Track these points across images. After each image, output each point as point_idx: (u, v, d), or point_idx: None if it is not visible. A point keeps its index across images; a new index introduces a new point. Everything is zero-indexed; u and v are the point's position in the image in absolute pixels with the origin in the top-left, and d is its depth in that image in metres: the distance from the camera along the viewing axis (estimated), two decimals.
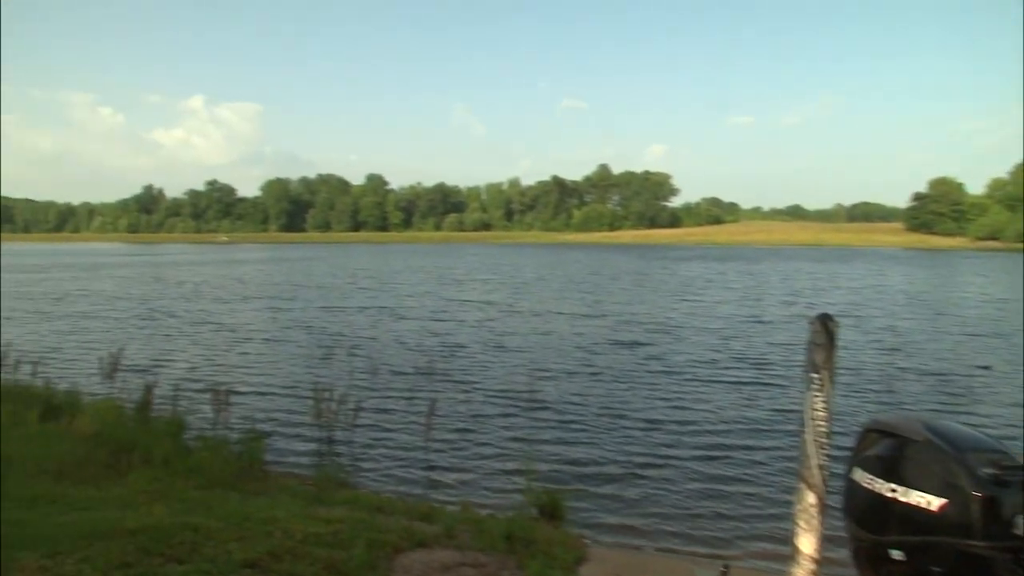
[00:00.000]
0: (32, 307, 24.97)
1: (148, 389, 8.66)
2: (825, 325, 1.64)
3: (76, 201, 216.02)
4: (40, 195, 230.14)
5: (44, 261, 62.37)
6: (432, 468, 7.97)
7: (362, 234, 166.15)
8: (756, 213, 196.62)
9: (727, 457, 8.35)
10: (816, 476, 1.58)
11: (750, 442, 8.93)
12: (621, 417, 10.15)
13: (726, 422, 9.86)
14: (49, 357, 14.36)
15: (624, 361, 14.59)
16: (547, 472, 7.57)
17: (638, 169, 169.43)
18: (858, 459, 1.48)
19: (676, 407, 10.75)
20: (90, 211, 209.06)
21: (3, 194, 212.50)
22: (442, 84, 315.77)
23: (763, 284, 35.87)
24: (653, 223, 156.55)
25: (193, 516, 4.86)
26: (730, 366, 13.97)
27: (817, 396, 1.61)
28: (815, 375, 1.62)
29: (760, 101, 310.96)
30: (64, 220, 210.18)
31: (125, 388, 10.31)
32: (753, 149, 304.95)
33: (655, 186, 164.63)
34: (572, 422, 9.91)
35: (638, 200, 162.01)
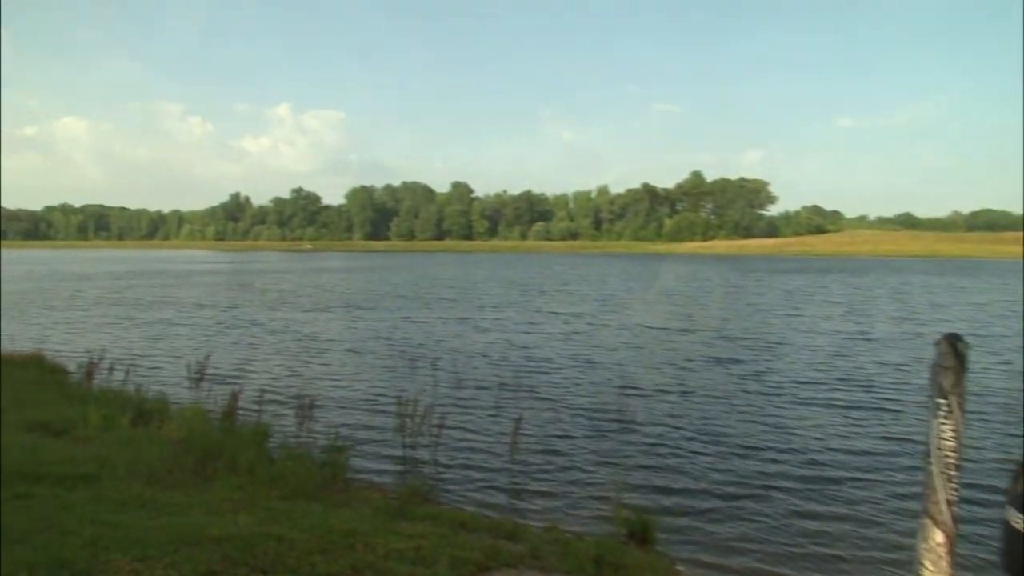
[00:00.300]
0: (123, 313, 26.45)
1: (233, 397, 9.01)
2: (954, 346, 1.54)
3: (167, 209, 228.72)
4: (134, 203, 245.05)
5: (136, 268, 66.08)
6: (517, 486, 7.97)
7: (446, 243, 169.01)
8: (862, 222, 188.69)
9: (833, 489, 7.92)
10: (944, 512, 1.48)
11: (859, 474, 8.45)
12: (716, 441, 9.88)
13: (833, 450, 9.41)
14: (138, 363, 15.15)
15: (718, 379, 14.25)
16: (636, 497, 7.43)
17: (733, 176, 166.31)
18: (1010, 497, 1.38)
19: (776, 431, 10.39)
20: (179, 219, 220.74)
21: (101, 203, 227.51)
22: (529, 89, 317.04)
23: (870, 299, 34.41)
24: (749, 233, 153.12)
25: (276, 526, 5.01)
26: (835, 387, 13.42)
27: (945, 424, 1.51)
28: (942, 401, 1.52)
29: (865, 102, 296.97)
30: (155, 228, 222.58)
31: (210, 395, 10.78)
32: (858, 153, 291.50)
33: (751, 194, 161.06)
34: (663, 444, 9.72)
35: (733, 208, 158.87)
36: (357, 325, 23.21)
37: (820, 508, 7.42)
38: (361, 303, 30.94)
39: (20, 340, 17.24)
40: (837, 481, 8.25)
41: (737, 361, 16.27)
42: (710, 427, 10.62)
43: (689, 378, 14.36)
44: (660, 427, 10.60)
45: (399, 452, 8.87)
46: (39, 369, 12.46)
